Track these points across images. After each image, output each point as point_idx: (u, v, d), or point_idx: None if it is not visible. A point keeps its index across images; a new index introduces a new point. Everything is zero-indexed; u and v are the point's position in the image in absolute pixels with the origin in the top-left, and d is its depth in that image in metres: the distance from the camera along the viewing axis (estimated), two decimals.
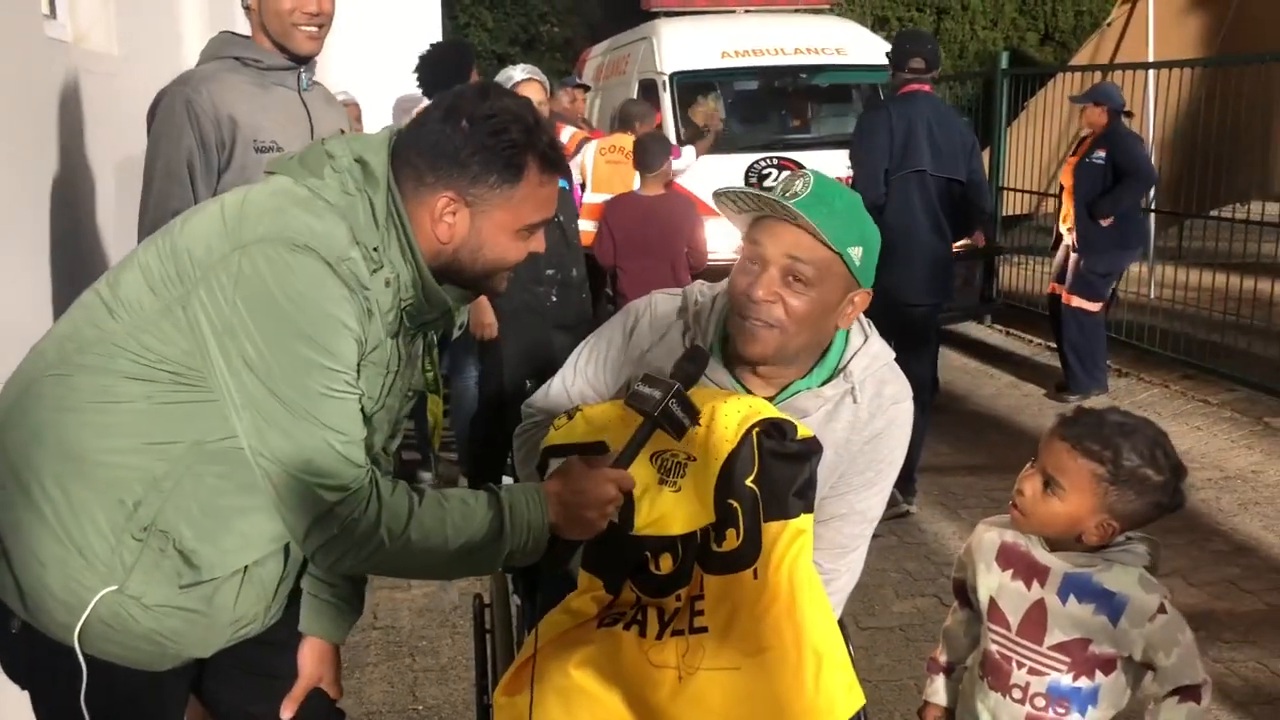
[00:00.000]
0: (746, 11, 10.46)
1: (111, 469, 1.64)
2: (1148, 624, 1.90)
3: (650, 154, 5.71)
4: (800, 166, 8.34)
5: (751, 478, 1.85)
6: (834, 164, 8.17)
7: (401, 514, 1.64)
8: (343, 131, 2.86)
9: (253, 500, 1.66)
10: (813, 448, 1.89)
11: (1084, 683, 1.95)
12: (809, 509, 1.89)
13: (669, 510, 1.88)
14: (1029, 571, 1.99)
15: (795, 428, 1.88)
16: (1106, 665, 1.95)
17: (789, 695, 1.78)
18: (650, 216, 5.57)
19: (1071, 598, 1.94)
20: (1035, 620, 1.97)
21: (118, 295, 1.65)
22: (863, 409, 2.01)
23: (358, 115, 6.11)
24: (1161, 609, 1.91)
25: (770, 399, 1.98)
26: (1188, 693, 1.91)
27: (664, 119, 8.66)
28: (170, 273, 1.62)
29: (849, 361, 2.01)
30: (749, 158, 8.50)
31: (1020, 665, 1.99)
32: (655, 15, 10.15)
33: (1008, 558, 2.02)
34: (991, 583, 2.04)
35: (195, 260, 1.60)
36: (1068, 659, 1.95)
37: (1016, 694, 1.99)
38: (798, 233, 1.88)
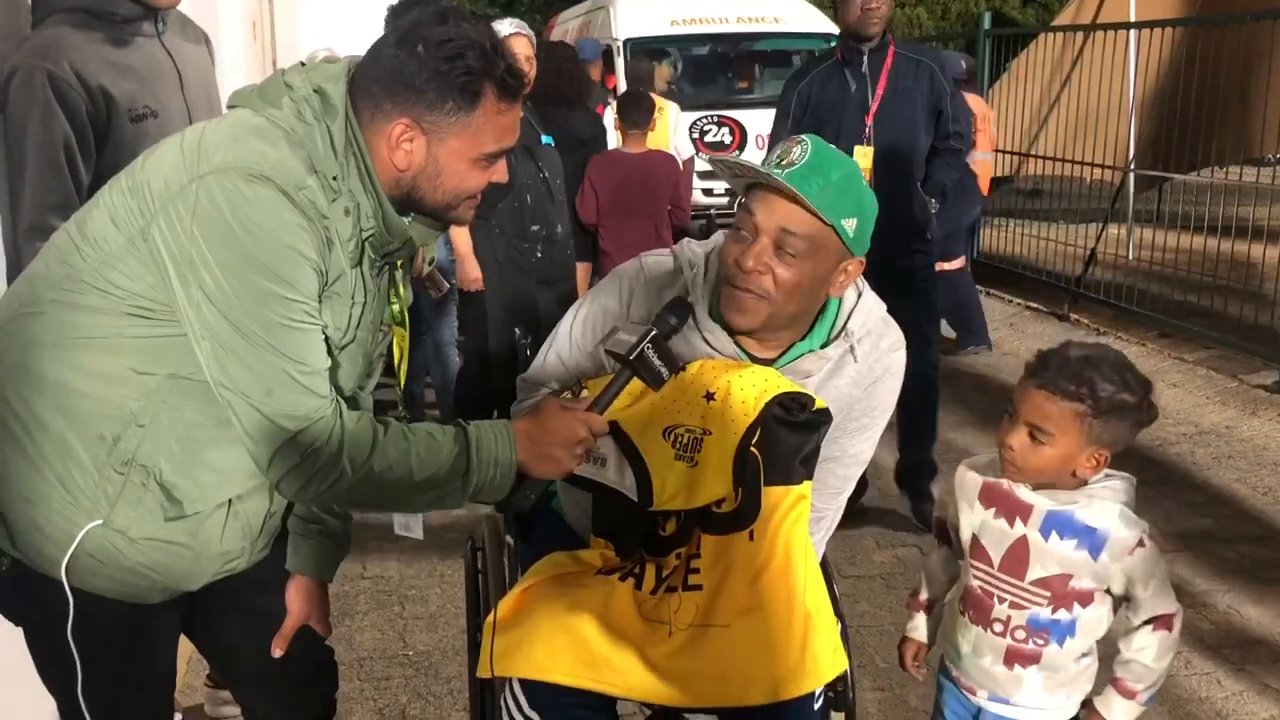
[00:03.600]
0: None
1: (89, 403, 1.65)
2: (1128, 557, 1.95)
3: (635, 110, 5.71)
4: (738, 124, 9.66)
5: (754, 442, 1.86)
6: (768, 122, 8.77)
7: (365, 444, 1.65)
8: (210, 56, 2.75)
9: (229, 434, 1.67)
10: (823, 418, 1.90)
11: (1063, 615, 2.00)
12: (810, 475, 1.91)
13: (688, 486, 1.88)
14: (1012, 510, 2.03)
15: (813, 400, 1.89)
16: (1085, 598, 2.00)
17: (777, 655, 1.82)
18: (634, 174, 5.57)
19: (1054, 534, 1.98)
20: (1017, 556, 2.01)
21: (85, 233, 1.66)
22: (863, 364, 2.04)
23: None
24: (1141, 543, 1.96)
25: (771, 362, 2.00)
26: (1160, 621, 1.97)
27: (618, 81, 9.63)
28: (132, 207, 1.62)
29: (848, 320, 2.03)
30: (695, 115, 9.52)
31: (1001, 600, 2.04)
32: None
33: (990, 497, 2.06)
34: (974, 521, 2.08)
35: (154, 193, 1.60)
36: (1048, 593, 1.99)
37: (997, 628, 2.05)
38: (790, 204, 1.87)
